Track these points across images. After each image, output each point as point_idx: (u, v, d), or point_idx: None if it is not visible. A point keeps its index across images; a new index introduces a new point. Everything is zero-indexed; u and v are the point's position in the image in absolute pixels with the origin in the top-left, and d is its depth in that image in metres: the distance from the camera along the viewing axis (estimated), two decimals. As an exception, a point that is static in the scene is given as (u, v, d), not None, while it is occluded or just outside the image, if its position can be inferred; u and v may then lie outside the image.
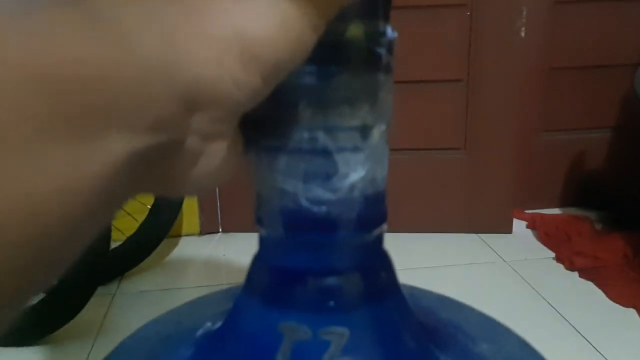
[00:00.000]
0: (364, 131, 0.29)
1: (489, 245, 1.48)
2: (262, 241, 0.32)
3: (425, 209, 1.54)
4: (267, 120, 0.28)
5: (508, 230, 1.53)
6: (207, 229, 1.55)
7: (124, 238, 1.30)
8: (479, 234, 1.53)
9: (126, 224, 1.29)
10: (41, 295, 1.03)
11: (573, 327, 1.13)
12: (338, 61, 0.28)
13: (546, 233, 1.51)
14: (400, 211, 1.53)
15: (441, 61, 1.45)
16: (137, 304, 1.23)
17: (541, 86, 1.59)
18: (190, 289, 1.31)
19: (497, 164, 1.50)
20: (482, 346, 0.36)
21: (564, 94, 1.60)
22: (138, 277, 1.32)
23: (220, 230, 1.57)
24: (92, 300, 1.06)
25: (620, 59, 1.54)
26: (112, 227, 1.10)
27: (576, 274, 1.34)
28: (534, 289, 1.27)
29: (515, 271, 1.35)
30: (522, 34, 1.40)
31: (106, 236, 1.04)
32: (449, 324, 0.38)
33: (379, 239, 0.32)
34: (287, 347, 0.29)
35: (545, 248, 1.46)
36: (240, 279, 1.23)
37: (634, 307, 1.20)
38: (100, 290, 1.15)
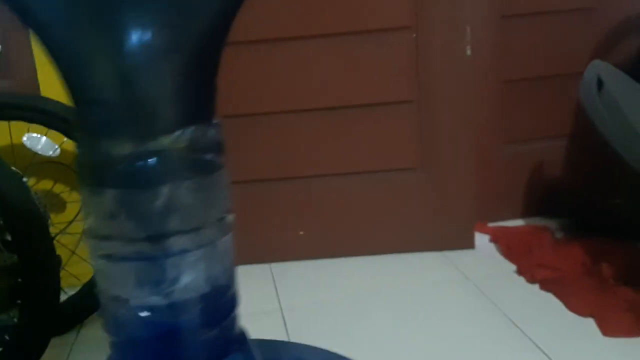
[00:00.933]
0: (194, 233, 0.30)
1: (452, 262, 1.50)
2: (111, 345, 0.33)
3: (386, 230, 1.55)
4: (95, 231, 0.29)
5: (470, 245, 1.55)
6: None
7: (80, 284, 1.30)
8: (442, 252, 1.55)
9: (81, 269, 1.30)
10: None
11: (532, 341, 1.15)
12: (158, 172, 0.29)
13: (508, 246, 1.53)
14: (361, 234, 1.54)
15: (391, 83, 1.47)
16: (99, 350, 1.23)
17: (495, 100, 1.61)
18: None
19: (455, 180, 1.52)
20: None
21: (519, 106, 1.63)
22: (99, 322, 1.32)
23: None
24: (49, 352, 1.06)
25: (570, 67, 1.57)
26: (66, 275, 1.10)
27: (537, 286, 1.35)
28: (495, 304, 1.29)
29: (477, 287, 1.37)
30: (468, 52, 1.42)
31: (54, 287, 1.04)
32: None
33: (231, 326, 0.33)
34: None
35: (507, 262, 1.48)
36: None
37: (592, 315, 1.22)
38: (57, 340, 1.15)
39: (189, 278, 0.30)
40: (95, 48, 0.26)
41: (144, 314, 0.30)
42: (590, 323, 1.20)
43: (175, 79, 0.28)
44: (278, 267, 1.55)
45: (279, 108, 1.49)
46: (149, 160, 0.28)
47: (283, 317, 1.32)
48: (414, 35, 1.43)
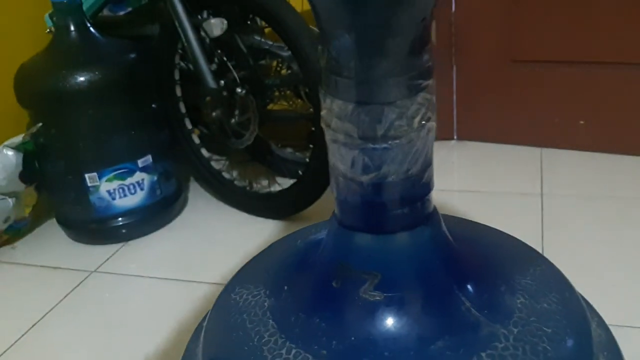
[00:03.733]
0: (396, 138, 0.39)
1: None
2: (335, 199, 0.45)
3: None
4: (326, 122, 0.40)
5: None
6: (442, 135, 1.66)
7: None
8: None
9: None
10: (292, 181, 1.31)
11: None
12: (379, 99, 0.37)
13: None
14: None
15: None
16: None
17: None
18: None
19: None
20: (519, 299, 0.44)
21: None
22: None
23: (455, 137, 1.66)
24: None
25: None
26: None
27: None
28: None
29: None
30: None
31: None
32: (503, 278, 0.46)
33: (422, 206, 0.42)
34: (339, 278, 0.43)
35: None
36: (470, 186, 1.43)
37: None
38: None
39: (389, 168, 0.39)
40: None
41: (354, 186, 0.40)
42: None
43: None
44: (549, 153, 1.54)
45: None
46: (372, 87, 0.38)
47: (542, 202, 1.35)
48: None
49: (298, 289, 0.46)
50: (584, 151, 1.51)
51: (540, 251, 1.17)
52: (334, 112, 0.39)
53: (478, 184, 1.45)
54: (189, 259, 1.23)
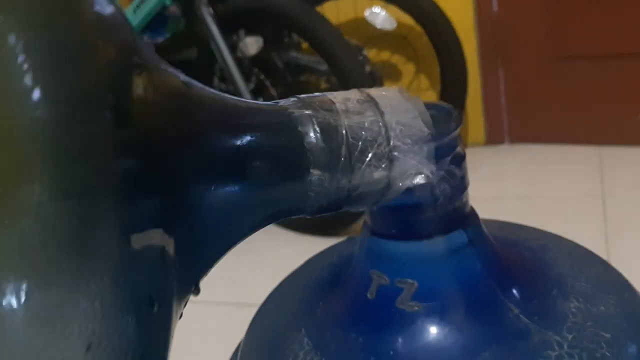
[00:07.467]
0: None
1: None
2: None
3: None
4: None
5: None
6: (493, 139, 1.62)
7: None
8: None
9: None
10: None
11: None
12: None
13: None
14: None
15: None
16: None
17: None
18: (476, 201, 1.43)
19: None
20: (572, 303, 0.41)
21: None
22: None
23: (507, 141, 1.62)
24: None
25: None
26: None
27: None
28: None
29: None
30: None
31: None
32: (554, 281, 0.43)
33: (452, 209, 0.40)
34: (373, 289, 0.41)
35: None
36: (526, 191, 1.42)
37: None
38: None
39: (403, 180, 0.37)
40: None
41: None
42: None
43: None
44: (607, 151, 1.48)
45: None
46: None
47: (604, 204, 1.29)
48: None
49: (333, 304, 0.44)
50: (644, 147, 1.44)
51: (605, 255, 1.12)
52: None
53: (534, 189, 1.40)
54: (238, 281, 1.23)
